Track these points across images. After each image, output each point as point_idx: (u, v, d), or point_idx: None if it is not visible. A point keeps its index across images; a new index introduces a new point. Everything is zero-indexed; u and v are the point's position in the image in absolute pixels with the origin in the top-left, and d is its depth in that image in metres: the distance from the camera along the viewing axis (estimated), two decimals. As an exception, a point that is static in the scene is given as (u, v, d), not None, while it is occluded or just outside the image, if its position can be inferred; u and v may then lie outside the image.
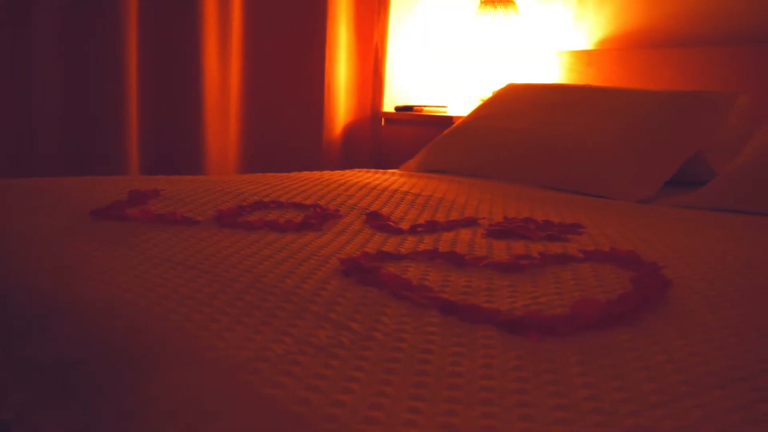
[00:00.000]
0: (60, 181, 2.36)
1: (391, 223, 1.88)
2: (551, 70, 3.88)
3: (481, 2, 3.95)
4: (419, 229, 1.84)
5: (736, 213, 2.23)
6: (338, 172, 2.83)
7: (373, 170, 2.98)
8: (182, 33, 3.70)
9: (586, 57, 3.71)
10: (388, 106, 4.35)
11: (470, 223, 1.95)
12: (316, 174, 2.73)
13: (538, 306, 1.23)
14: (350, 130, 4.33)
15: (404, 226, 1.88)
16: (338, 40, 4.18)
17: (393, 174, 2.91)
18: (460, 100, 4.28)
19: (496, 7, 3.88)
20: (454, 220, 1.97)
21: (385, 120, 4.33)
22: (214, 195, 2.19)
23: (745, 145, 2.50)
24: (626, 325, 1.13)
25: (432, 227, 1.86)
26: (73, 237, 1.66)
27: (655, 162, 2.63)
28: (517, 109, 3.10)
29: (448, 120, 3.83)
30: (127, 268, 1.41)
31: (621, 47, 3.63)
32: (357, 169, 3.00)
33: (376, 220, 1.91)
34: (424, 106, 4.20)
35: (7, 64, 3.36)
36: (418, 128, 4.03)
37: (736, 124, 2.79)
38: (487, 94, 3.80)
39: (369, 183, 2.54)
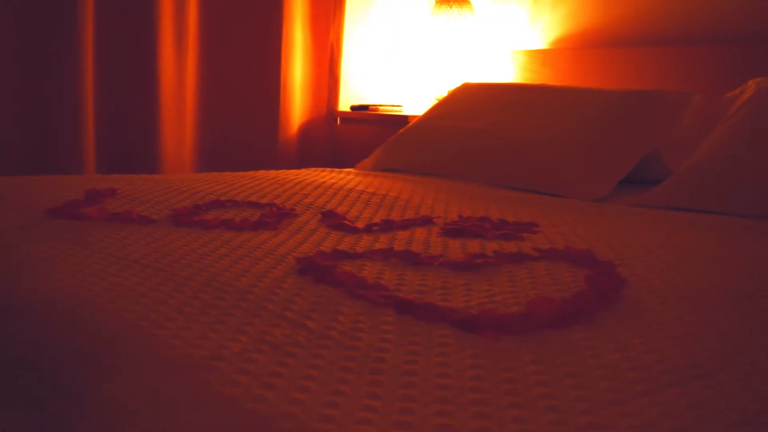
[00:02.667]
0: (16, 180, 2.33)
1: (347, 222, 1.88)
2: (506, 69, 3.90)
3: (437, 2, 3.96)
4: (375, 227, 1.84)
5: (691, 212, 2.25)
6: (294, 171, 2.82)
7: (329, 169, 2.97)
8: (138, 32, 3.67)
9: (541, 56, 3.74)
10: (344, 105, 4.35)
11: (425, 222, 1.95)
12: (272, 173, 2.71)
13: (494, 304, 1.23)
14: (306, 129, 4.32)
15: (360, 224, 1.88)
16: (294, 40, 4.17)
17: (348, 173, 2.90)
18: (415, 100, 4.30)
19: (451, 7, 3.89)
20: (410, 219, 1.97)
21: (341, 119, 4.33)
22: (170, 194, 2.17)
23: (699, 144, 2.52)
24: (582, 324, 1.14)
25: (387, 226, 1.86)
26: (29, 236, 1.64)
27: (609, 161, 2.65)
28: (472, 108, 3.11)
29: (403, 119, 3.83)
30: (83, 267, 1.39)
31: (576, 47, 3.65)
32: (313, 168, 2.99)
33: (331, 219, 1.91)
34: (380, 106, 4.20)
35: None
36: (374, 127, 4.03)
37: (690, 124, 2.81)
38: (443, 93, 3.82)
39: (325, 182, 2.54)
